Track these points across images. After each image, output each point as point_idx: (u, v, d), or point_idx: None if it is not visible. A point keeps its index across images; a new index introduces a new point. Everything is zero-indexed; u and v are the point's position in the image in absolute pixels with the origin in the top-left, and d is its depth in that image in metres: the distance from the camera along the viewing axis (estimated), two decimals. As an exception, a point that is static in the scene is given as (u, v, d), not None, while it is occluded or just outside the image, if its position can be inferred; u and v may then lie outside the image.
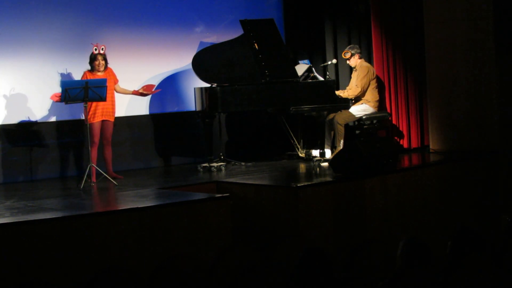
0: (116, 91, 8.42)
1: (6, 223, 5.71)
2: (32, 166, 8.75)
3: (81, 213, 6.17)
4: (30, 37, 8.70)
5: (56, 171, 8.89)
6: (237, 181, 7.65)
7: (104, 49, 8.33)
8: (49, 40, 8.81)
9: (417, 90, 9.66)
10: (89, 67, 8.32)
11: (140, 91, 8.55)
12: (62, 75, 8.83)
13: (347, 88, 9.54)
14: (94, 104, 8.03)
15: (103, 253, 5.83)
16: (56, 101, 8.22)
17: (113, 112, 8.35)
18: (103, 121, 8.30)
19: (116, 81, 8.42)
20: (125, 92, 8.53)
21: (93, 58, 8.27)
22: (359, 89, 9.30)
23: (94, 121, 8.14)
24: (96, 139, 8.19)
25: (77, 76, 8.67)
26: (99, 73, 8.26)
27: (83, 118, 8.27)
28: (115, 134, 8.58)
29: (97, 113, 8.19)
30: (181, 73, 9.80)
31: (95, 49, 8.28)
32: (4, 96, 8.61)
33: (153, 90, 8.61)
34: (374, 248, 4.79)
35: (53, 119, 8.88)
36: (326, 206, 7.01)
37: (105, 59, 8.31)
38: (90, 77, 8.18)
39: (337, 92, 9.30)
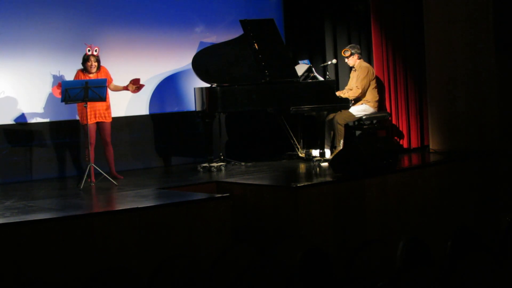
0: (110, 89, 8.39)
1: (6, 223, 5.71)
2: (32, 166, 8.75)
3: (81, 213, 6.17)
4: (30, 38, 8.70)
5: (56, 171, 8.89)
6: (237, 181, 7.65)
7: (97, 50, 8.28)
8: (49, 40, 8.81)
9: (417, 90, 9.66)
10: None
11: (130, 89, 8.40)
12: (54, 76, 8.80)
13: (346, 88, 9.55)
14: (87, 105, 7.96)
15: (103, 253, 5.83)
16: (56, 96, 8.19)
17: (108, 113, 8.30)
18: (98, 123, 8.28)
19: (110, 81, 8.39)
20: (117, 89, 8.46)
21: (85, 59, 8.24)
22: (360, 90, 9.32)
23: (89, 123, 8.09)
24: (93, 140, 8.17)
25: (71, 76, 8.64)
26: (91, 75, 8.24)
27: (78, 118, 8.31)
28: (115, 134, 8.58)
29: (91, 115, 8.15)
30: (181, 73, 9.80)
31: (88, 50, 8.25)
32: (4, 96, 8.61)
33: (140, 83, 8.46)
34: (374, 248, 4.78)
35: (52, 119, 8.88)
36: (326, 206, 7.01)
37: (98, 61, 8.27)
38: (82, 77, 8.17)
39: (337, 93, 9.30)
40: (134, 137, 9.46)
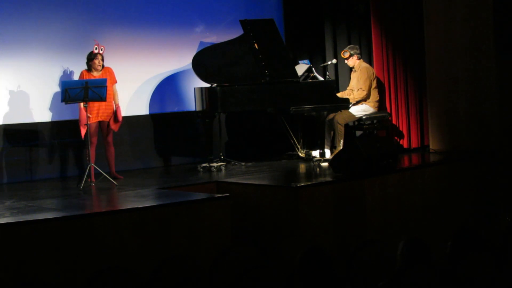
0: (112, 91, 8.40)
1: (6, 223, 5.71)
2: (32, 166, 8.75)
3: (81, 213, 6.18)
4: (30, 38, 8.70)
5: (56, 171, 8.89)
6: (237, 181, 7.65)
7: (103, 49, 8.32)
8: (49, 40, 8.81)
9: (417, 90, 9.66)
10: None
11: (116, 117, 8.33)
12: (64, 72, 8.83)
13: (348, 89, 9.56)
14: (89, 104, 7.97)
15: (103, 253, 5.83)
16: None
17: (110, 113, 8.32)
18: (100, 122, 8.29)
19: (114, 81, 8.40)
20: (114, 97, 8.37)
21: (92, 57, 8.25)
22: (365, 92, 9.34)
23: (91, 122, 8.11)
24: (94, 139, 8.18)
25: (76, 76, 8.69)
26: (95, 73, 8.25)
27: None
28: (115, 134, 8.57)
29: (93, 114, 8.17)
30: (181, 73, 9.80)
31: (95, 48, 8.27)
32: (4, 96, 8.62)
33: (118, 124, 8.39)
34: (374, 248, 4.79)
35: (53, 119, 8.88)
36: (326, 206, 7.01)
37: (103, 60, 8.30)
38: (87, 76, 8.17)
39: (340, 94, 9.32)
40: (134, 137, 9.46)
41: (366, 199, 7.28)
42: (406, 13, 9.67)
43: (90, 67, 8.28)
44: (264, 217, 7.12)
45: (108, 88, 7.97)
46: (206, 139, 8.91)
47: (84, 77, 8.18)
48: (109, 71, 8.34)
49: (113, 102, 8.37)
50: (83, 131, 8.09)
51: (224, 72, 8.99)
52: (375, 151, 7.58)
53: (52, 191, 7.80)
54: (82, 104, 8.01)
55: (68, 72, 8.86)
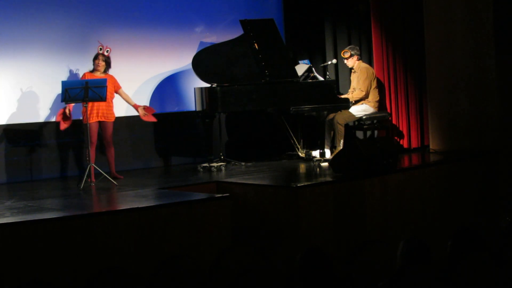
0: (121, 96, 8.46)
1: (6, 223, 5.71)
2: (32, 166, 8.75)
3: (81, 213, 6.18)
4: (31, 38, 8.70)
5: (56, 171, 8.89)
6: (237, 181, 7.65)
7: (109, 51, 8.35)
8: (50, 40, 8.81)
9: (417, 90, 9.67)
10: (91, 66, 8.38)
11: (140, 112, 8.48)
12: (65, 72, 8.84)
13: (350, 91, 9.56)
14: (89, 104, 7.98)
15: (103, 253, 5.83)
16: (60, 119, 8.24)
17: (110, 113, 8.34)
18: (100, 122, 8.31)
19: (117, 87, 8.42)
20: (127, 100, 8.53)
21: (95, 57, 8.32)
22: (364, 93, 9.34)
23: (91, 122, 8.12)
24: (94, 139, 8.19)
25: (78, 77, 8.70)
26: (97, 73, 8.28)
27: (81, 118, 8.30)
28: (115, 134, 8.58)
29: (93, 114, 8.19)
30: (181, 73, 9.80)
31: (100, 49, 8.31)
32: (5, 96, 8.62)
33: (152, 114, 8.52)
34: (374, 248, 4.78)
35: (53, 119, 8.88)
36: (326, 206, 7.01)
37: (106, 62, 8.32)
38: (89, 77, 8.20)
39: (342, 97, 9.34)
40: (134, 137, 9.46)
41: (366, 199, 7.28)
42: (406, 13, 9.68)
43: (94, 67, 8.35)
44: (264, 217, 7.12)
45: (109, 92, 7.98)
46: (206, 139, 8.92)
47: (85, 78, 8.22)
48: (111, 78, 8.35)
49: (123, 103, 8.45)
50: (62, 123, 8.18)
51: (224, 72, 8.99)
52: (375, 151, 7.59)
53: (52, 191, 7.80)
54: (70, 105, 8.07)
55: (69, 73, 8.86)
